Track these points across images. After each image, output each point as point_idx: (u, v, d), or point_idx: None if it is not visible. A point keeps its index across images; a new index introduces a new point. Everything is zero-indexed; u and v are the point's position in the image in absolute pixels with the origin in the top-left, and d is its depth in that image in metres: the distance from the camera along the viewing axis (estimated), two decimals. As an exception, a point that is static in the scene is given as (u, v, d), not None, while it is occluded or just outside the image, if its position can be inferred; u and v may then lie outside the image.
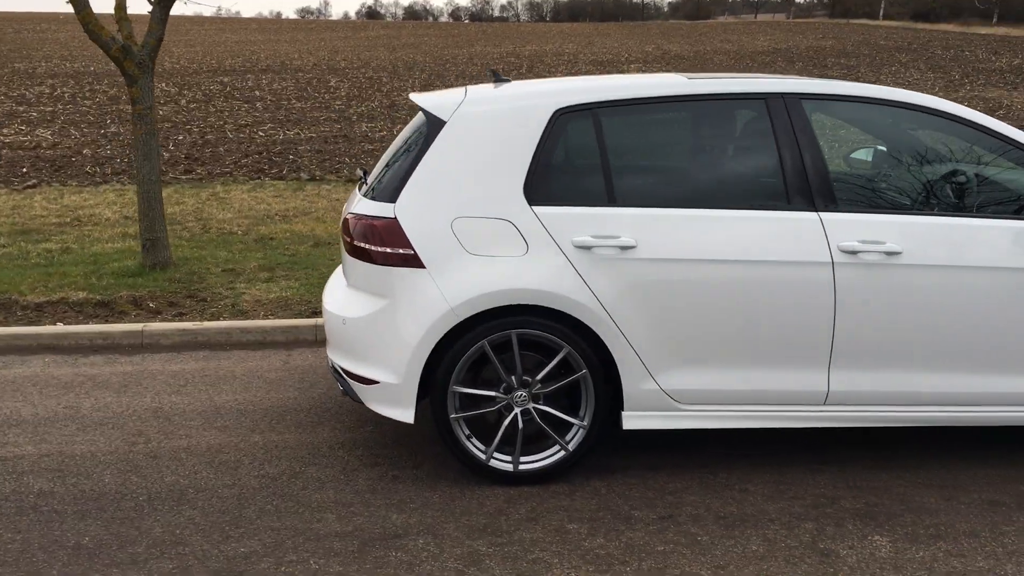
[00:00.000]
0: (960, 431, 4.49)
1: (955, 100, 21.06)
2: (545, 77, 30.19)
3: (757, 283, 3.87)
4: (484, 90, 4.21)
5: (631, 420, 4.00)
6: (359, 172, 4.74)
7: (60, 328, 6.07)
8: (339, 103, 23.28)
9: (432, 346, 3.88)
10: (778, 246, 3.87)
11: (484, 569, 3.37)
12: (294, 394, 5.16)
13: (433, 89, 26.27)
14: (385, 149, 15.66)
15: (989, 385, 3.97)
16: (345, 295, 4.18)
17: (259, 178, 13.12)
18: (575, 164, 4.02)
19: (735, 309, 3.89)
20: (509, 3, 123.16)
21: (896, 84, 26.18)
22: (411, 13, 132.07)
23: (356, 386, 4.10)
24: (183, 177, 13.15)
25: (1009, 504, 3.82)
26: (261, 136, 17.69)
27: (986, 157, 4.14)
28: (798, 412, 4.02)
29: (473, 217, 3.91)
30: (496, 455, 4.02)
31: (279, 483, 4.08)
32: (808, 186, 3.93)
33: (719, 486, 4.01)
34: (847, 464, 4.21)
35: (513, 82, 4.50)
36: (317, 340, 6.10)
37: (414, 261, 3.90)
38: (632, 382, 3.94)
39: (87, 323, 6.30)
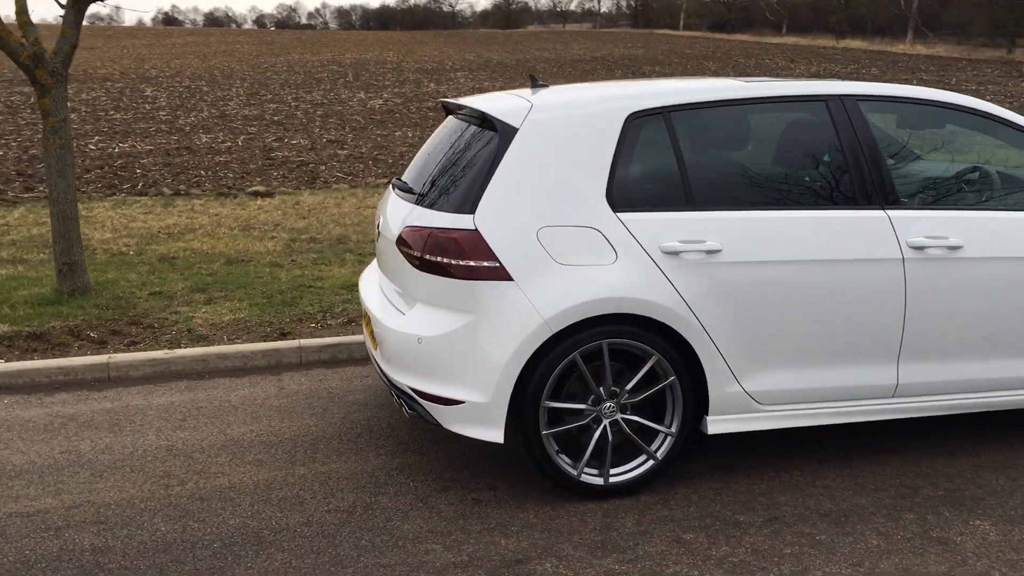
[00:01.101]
0: (992, 415, 4.72)
1: None
2: (375, 85, 29.92)
3: (834, 281, 3.95)
4: (549, 96, 4.11)
5: (716, 424, 4.00)
6: (397, 182, 4.52)
7: (13, 365, 5.48)
8: (163, 113, 22.17)
9: (524, 361, 3.75)
10: (853, 244, 3.97)
11: (632, 587, 3.29)
12: (312, 421, 4.86)
13: (261, 97, 25.51)
14: (234, 159, 15.25)
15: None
16: (415, 312, 3.97)
17: (115, 194, 12.29)
18: (652, 169, 3.98)
19: (814, 308, 3.95)
20: (317, 11, 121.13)
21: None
22: (212, 20, 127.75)
23: (434, 407, 3.90)
24: (25, 196, 12.09)
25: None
26: (93, 149, 16.61)
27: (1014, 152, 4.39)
28: (869, 406, 4.13)
29: (559, 226, 3.80)
30: (585, 469, 3.92)
31: (357, 516, 3.84)
32: (873, 185, 4.05)
33: (801, 484, 4.07)
34: (906, 452, 4.36)
35: (552, 87, 4.42)
36: (302, 363, 5.78)
37: (500, 273, 3.75)
38: (718, 386, 3.94)
39: (34, 358, 5.72)
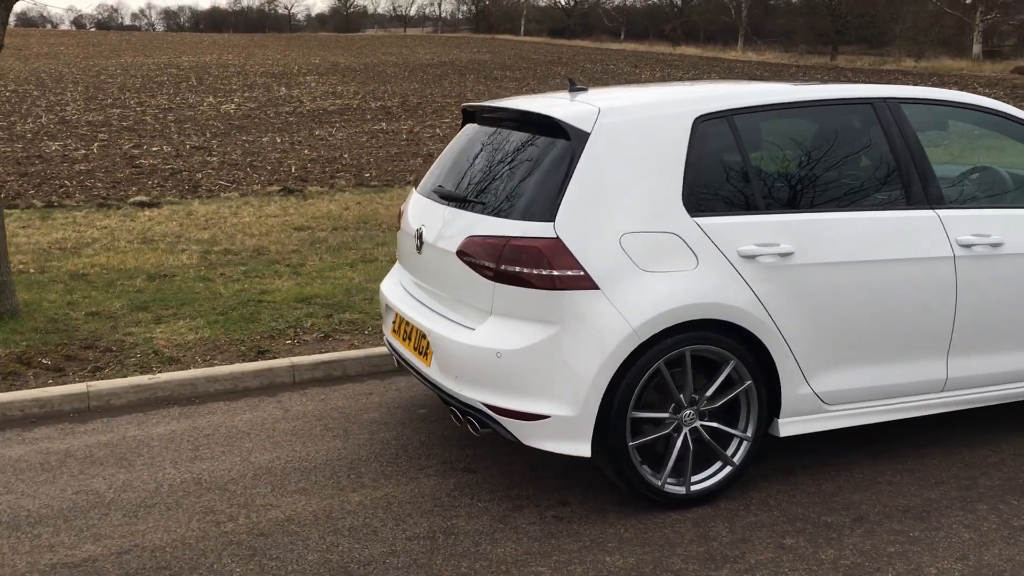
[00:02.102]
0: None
1: None
2: (222, 89, 28.91)
3: (893, 280, 4.04)
4: (612, 99, 4.02)
5: (787, 427, 4.02)
6: (439, 188, 4.33)
7: (-21, 399, 4.94)
8: (-4, 120, 20.76)
9: (613, 372, 3.66)
10: (910, 243, 4.08)
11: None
12: (338, 444, 4.60)
13: (100, 101, 24.14)
14: (97, 168, 14.32)
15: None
16: (490, 326, 3.80)
17: (-23, 208, 11.35)
18: (722, 172, 3.96)
19: (876, 307, 4.03)
20: (142, 11, 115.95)
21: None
22: (25, 20, 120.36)
23: (513, 423, 3.75)
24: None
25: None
26: (-68, 162, 15.35)
27: None
28: (921, 401, 4.25)
29: (641, 232, 3.73)
30: (668, 479, 3.86)
31: (443, 543, 3.65)
32: (921, 185, 4.16)
33: (865, 482, 4.14)
34: (944, 445, 4.52)
35: (592, 90, 4.35)
36: (295, 382, 5.48)
37: (585, 282, 3.65)
38: (790, 388, 3.96)
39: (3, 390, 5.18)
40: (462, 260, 3.90)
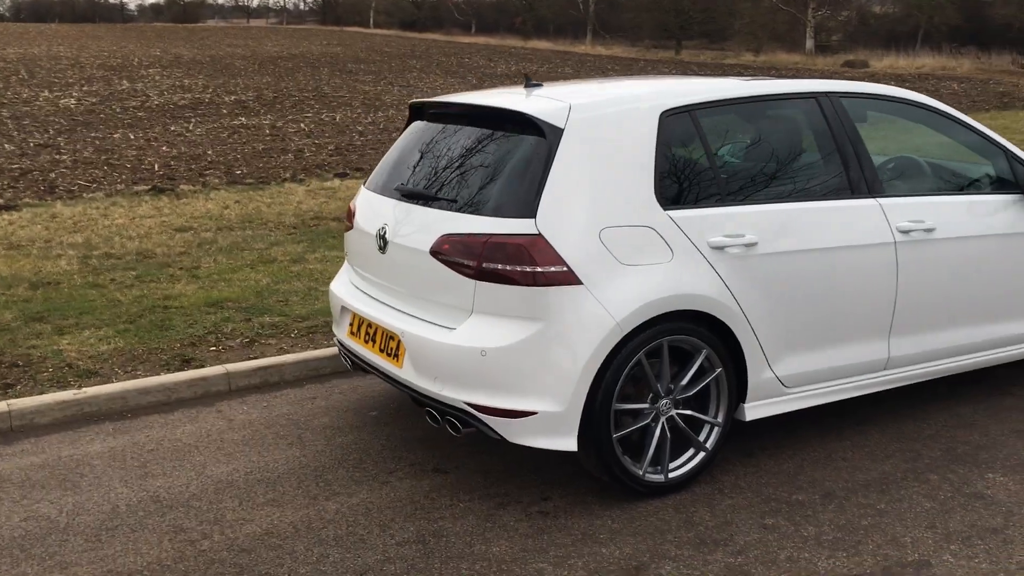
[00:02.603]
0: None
1: None
2: (57, 83, 27.42)
3: (845, 266, 4.24)
4: (578, 95, 4.05)
5: (752, 411, 4.16)
6: (401, 187, 4.25)
7: None
8: None
9: (599, 365, 3.71)
10: (858, 231, 4.28)
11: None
12: (296, 452, 4.48)
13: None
14: None
15: (998, 331, 4.75)
16: (472, 325, 3.77)
17: None
18: (688, 165, 4.06)
19: (830, 291, 4.22)
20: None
21: (427, 89, 27.67)
22: None
23: (498, 421, 3.75)
24: None
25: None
26: None
27: (960, 143, 4.92)
28: (868, 380, 4.47)
29: (620, 226, 3.79)
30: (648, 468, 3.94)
31: (436, 546, 3.61)
32: (862, 175, 4.38)
33: (822, 460, 4.33)
34: (879, 423, 4.75)
35: (547, 85, 4.38)
36: (231, 390, 5.28)
37: (568, 278, 3.67)
38: (755, 374, 4.10)
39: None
40: (436, 259, 3.85)
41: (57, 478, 4.21)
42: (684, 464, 4.03)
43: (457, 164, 4.09)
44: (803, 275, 4.14)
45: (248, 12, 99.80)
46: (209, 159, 15.31)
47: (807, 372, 4.26)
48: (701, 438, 4.06)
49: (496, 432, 3.78)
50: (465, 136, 4.18)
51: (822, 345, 4.27)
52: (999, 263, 4.72)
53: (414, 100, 4.70)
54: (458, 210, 3.88)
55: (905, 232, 4.40)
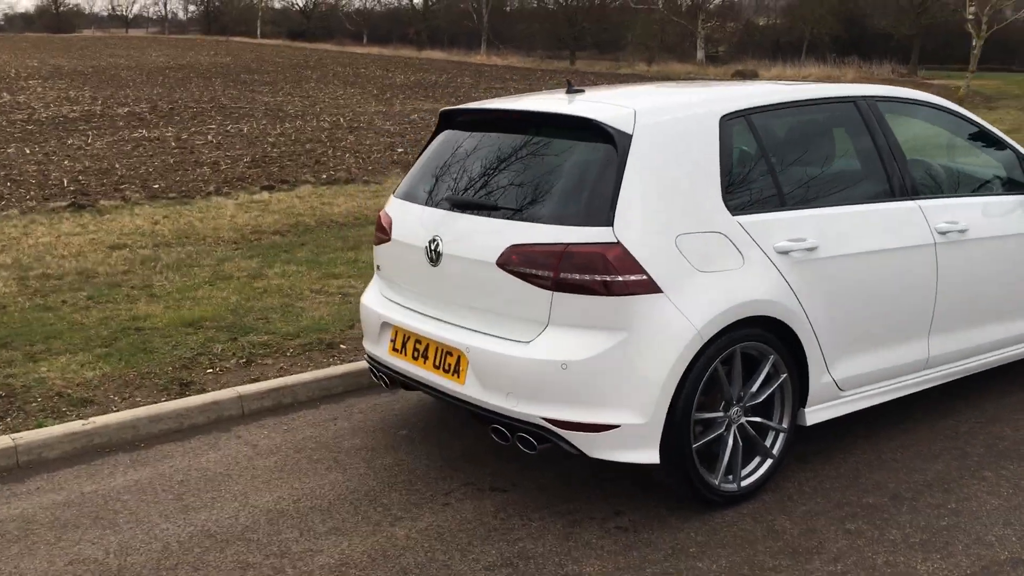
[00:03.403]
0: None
1: (394, 111, 22.85)
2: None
3: (894, 268, 4.28)
4: (636, 100, 3.98)
5: (812, 415, 4.15)
6: (452, 197, 4.10)
7: None
8: None
9: (680, 374, 3.63)
10: (904, 233, 4.33)
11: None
12: (340, 476, 4.27)
13: None
14: None
15: (1019, 327, 4.87)
16: (549, 337, 3.65)
17: None
18: (749, 170, 4.03)
19: (880, 294, 4.25)
20: None
21: (332, 100, 27.25)
22: None
23: (578, 436, 3.63)
24: None
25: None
26: None
27: (979, 145, 5.03)
28: (911, 380, 4.52)
29: (693, 233, 3.73)
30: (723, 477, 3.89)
31: (524, 569, 3.47)
32: (903, 177, 4.43)
33: (876, 462, 4.35)
34: (917, 420, 4.79)
35: (588, 91, 4.31)
36: (244, 414, 5.01)
37: (648, 286, 3.59)
38: (816, 378, 4.10)
39: None
40: (505, 270, 3.72)
41: (89, 516, 3.90)
42: (754, 472, 3.99)
43: (517, 172, 3.96)
44: (857, 278, 4.16)
45: (126, 22, 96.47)
46: (119, 173, 14.65)
47: (860, 375, 4.27)
48: (768, 444, 4.02)
49: (576, 448, 3.66)
50: (519, 143, 4.05)
51: (873, 347, 4.30)
52: (1019, 261, 4.84)
53: (448, 107, 4.55)
54: (525, 219, 3.76)
55: (943, 233, 4.47)
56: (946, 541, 3.62)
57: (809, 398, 4.11)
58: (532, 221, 3.73)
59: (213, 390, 5.13)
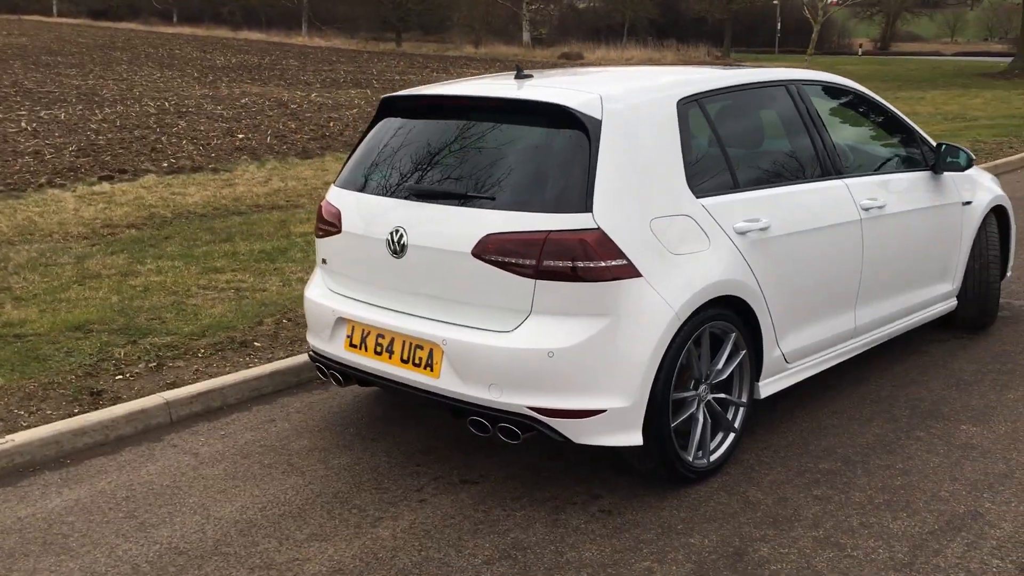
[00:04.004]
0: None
1: (223, 95, 22.12)
2: None
3: (829, 244, 4.50)
4: (606, 85, 3.99)
5: (765, 388, 4.31)
6: (415, 187, 3.99)
7: None
8: None
9: (661, 356, 3.69)
10: (837, 210, 4.55)
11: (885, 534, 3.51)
12: (298, 480, 4.11)
13: None
14: None
15: (922, 295, 5.21)
16: (533, 325, 3.63)
17: None
18: (704, 153, 4.11)
19: (818, 270, 4.45)
20: None
21: (151, 84, 26.04)
22: None
23: (564, 423, 3.64)
24: None
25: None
26: None
27: (884, 124, 5.32)
28: (841, 349, 4.77)
29: (665, 216, 3.79)
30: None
31: (523, 559, 3.46)
32: (830, 157, 4.65)
33: (819, 429, 4.55)
34: (839, 389, 5.05)
35: (536, 74, 4.31)
36: (173, 421, 4.73)
37: (629, 271, 3.63)
38: (768, 352, 4.26)
39: None
40: (482, 260, 3.66)
41: (36, 543, 3.60)
42: (720, 446, 4.10)
43: (480, 160, 3.90)
44: (801, 255, 4.33)
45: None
46: (-76, 164, 13.47)
47: (803, 347, 4.46)
48: (730, 419, 4.14)
49: (562, 435, 3.66)
50: (480, 130, 3.98)
51: (813, 320, 4.49)
52: (922, 233, 5.17)
53: (389, 94, 4.41)
54: (499, 208, 3.70)
55: (867, 210, 4.71)
56: (907, 500, 3.84)
57: (763, 372, 4.25)
58: (506, 209, 3.69)
59: (131, 398, 4.82)
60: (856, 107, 5.26)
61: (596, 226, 3.58)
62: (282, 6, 58.67)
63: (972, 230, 5.58)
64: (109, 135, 15.58)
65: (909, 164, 5.32)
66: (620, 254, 3.60)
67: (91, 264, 7.57)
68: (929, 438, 4.42)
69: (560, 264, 3.55)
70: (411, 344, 3.88)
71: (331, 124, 17.24)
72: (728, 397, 4.10)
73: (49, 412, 4.70)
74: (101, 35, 49.71)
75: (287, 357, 5.33)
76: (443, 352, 3.76)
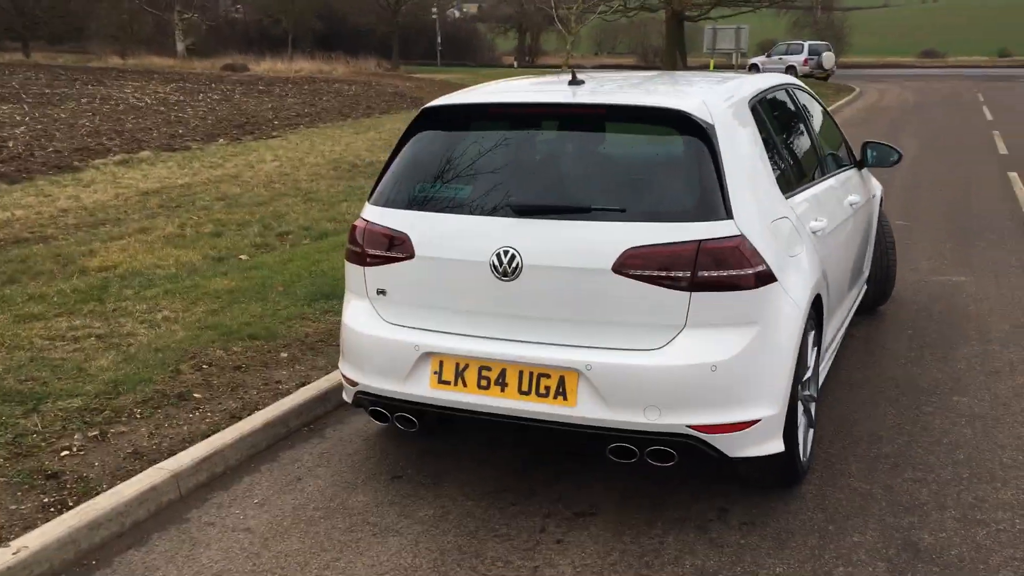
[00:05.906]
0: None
1: None
2: None
3: (846, 238, 4.76)
4: (694, 89, 3.89)
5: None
6: (515, 203, 3.63)
7: None
8: None
9: (796, 358, 3.68)
10: (843, 205, 4.80)
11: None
12: (397, 541, 3.61)
13: None
14: None
15: (861, 281, 5.58)
16: (687, 339, 3.44)
17: None
18: (776, 155, 4.13)
19: (843, 263, 4.70)
20: None
21: None
22: None
23: (722, 438, 3.50)
24: None
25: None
26: None
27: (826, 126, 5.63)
28: (839, 336, 5.00)
29: (777, 219, 3.78)
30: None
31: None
32: (823, 156, 4.89)
33: (847, 421, 4.74)
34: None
35: (588, 78, 4.15)
36: (182, 496, 3.96)
37: (769, 276, 3.57)
38: (824, 346, 4.38)
39: None
40: (625, 276, 3.42)
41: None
42: (807, 443, 4.12)
43: (593, 171, 3.64)
44: (835, 251, 4.51)
45: None
46: None
47: (826, 344, 4.60)
48: (813, 414, 4.17)
49: (719, 451, 3.51)
50: (583, 140, 3.74)
51: (833, 315, 4.66)
52: (866, 224, 5.56)
53: (433, 104, 3.96)
54: (632, 220, 3.47)
55: (852, 204, 4.99)
56: (989, 469, 4.10)
57: (821, 365, 4.35)
58: (642, 220, 3.46)
59: (102, 476, 3.95)
60: (816, 111, 5.53)
61: (740, 232, 3.47)
62: None
63: (876, 219, 6.07)
64: None
65: (841, 162, 5.68)
66: (761, 259, 3.51)
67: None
68: (935, 411, 4.74)
69: (715, 274, 3.40)
70: (532, 373, 3.53)
71: (11, 144, 15.06)
72: (811, 393, 4.14)
73: (20, 508, 3.73)
74: None
75: (254, 406, 4.64)
76: (580, 377, 3.46)
